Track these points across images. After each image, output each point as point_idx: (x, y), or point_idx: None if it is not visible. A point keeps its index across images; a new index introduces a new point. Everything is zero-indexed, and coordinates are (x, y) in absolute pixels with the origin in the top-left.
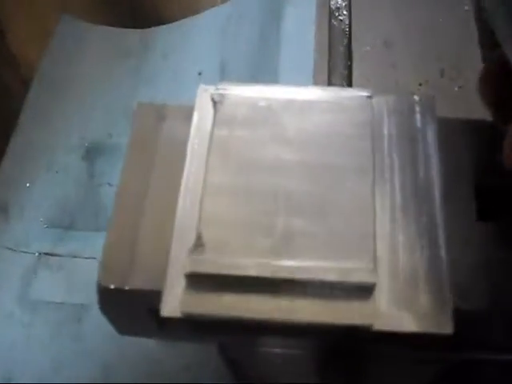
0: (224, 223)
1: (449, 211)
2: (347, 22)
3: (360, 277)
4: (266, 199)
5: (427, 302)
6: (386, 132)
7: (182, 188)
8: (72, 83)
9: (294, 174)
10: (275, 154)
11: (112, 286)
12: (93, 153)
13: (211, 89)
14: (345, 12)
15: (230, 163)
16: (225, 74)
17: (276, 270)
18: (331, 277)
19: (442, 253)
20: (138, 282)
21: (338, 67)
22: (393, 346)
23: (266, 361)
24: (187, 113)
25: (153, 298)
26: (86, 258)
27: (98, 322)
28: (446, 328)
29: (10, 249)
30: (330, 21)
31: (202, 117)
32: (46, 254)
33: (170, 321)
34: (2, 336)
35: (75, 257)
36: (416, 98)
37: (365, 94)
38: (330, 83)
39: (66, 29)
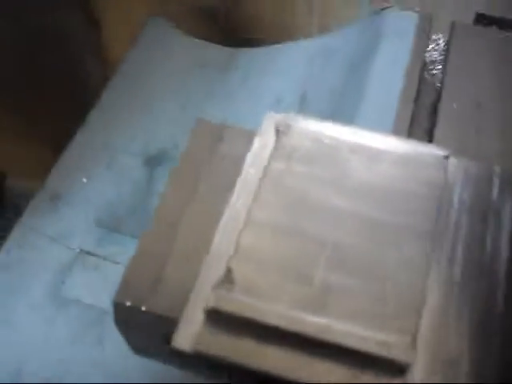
0: (259, 262)
1: None
2: (440, 78)
3: (395, 353)
4: (310, 245)
5: None
6: (456, 198)
7: (225, 216)
8: (148, 87)
9: (346, 225)
10: (330, 198)
11: (128, 304)
12: (156, 160)
13: (278, 117)
14: (439, 67)
15: (280, 199)
16: (304, 106)
17: (304, 326)
18: (363, 346)
19: (494, 347)
20: (156, 304)
21: (420, 120)
22: None
23: None
24: (247, 138)
25: (168, 324)
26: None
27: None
28: None
29: (51, 238)
30: (421, 73)
31: (262, 144)
32: (87, 252)
33: (181, 352)
34: (21, 326)
35: (113, 261)
36: (497, 168)
37: (442, 152)
38: (409, 135)
39: (153, 32)
